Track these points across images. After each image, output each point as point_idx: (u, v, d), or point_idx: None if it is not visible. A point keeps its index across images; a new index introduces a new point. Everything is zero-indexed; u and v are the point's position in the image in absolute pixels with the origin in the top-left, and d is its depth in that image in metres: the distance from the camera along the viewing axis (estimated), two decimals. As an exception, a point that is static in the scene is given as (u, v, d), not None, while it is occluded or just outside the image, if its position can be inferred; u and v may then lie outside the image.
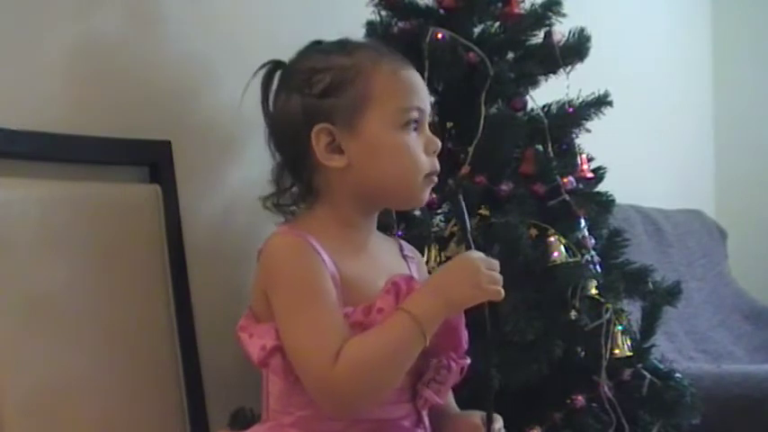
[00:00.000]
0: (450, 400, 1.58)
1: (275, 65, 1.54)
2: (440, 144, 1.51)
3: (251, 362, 1.44)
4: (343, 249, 1.45)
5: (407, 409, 1.47)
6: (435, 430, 1.54)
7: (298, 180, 1.51)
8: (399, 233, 1.78)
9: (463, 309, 1.44)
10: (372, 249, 1.53)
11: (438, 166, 1.51)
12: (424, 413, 1.50)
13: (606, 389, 1.89)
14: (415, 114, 1.47)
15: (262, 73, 1.54)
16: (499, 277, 1.40)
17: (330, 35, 1.56)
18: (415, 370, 1.46)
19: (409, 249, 1.63)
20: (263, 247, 1.45)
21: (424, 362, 1.47)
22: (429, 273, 1.67)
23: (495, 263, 1.41)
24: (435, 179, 1.52)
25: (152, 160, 1.93)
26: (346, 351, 1.33)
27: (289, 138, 1.48)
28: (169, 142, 1.94)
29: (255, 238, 2.03)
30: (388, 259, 1.55)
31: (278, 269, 1.42)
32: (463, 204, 1.50)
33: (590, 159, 2.04)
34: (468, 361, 1.50)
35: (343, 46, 1.51)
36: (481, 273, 1.38)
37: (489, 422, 1.47)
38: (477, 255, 1.42)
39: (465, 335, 1.49)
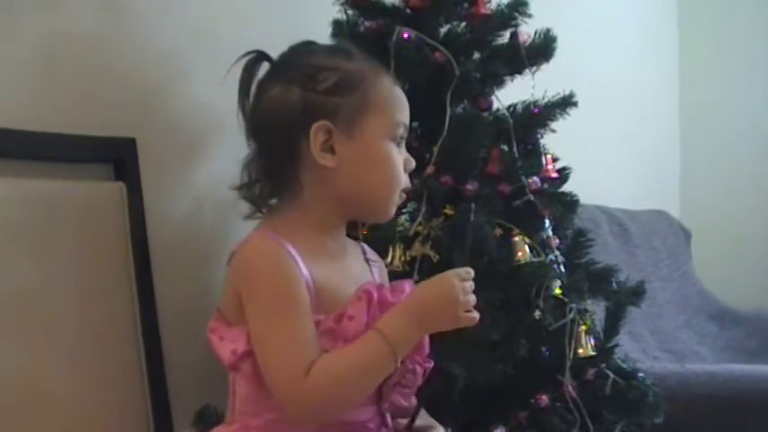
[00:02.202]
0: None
1: (260, 55, 1.54)
2: (414, 164, 1.55)
3: (221, 364, 1.44)
4: (316, 254, 1.45)
5: (372, 412, 1.48)
6: None
7: (276, 172, 1.51)
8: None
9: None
10: (343, 255, 1.54)
11: (410, 185, 1.56)
12: (388, 414, 1.51)
13: (570, 388, 1.90)
14: (402, 130, 1.52)
15: (243, 61, 1.54)
16: (473, 300, 1.42)
17: (297, 34, 1.57)
18: None
19: (371, 253, 1.64)
20: (239, 251, 1.45)
21: None
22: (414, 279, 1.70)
23: (471, 285, 1.43)
24: (404, 196, 1.55)
25: (117, 157, 1.91)
26: (318, 367, 1.34)
27: (280, 129, 1.48)
28: (134, 140, 1.93)
29: (221, 236, 2.04)
30: (355, 266, 1.56)
31: (255, 275, 1.42)
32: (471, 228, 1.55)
33: (555, 160, 2.05)
34: (432, 364, 1.52)
35: (346, 51, 1.54)
36: (460, 304, 1.40)
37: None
38: (456, 284, 1.41)
39: (427, 338, 1.50)
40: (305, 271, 1.40)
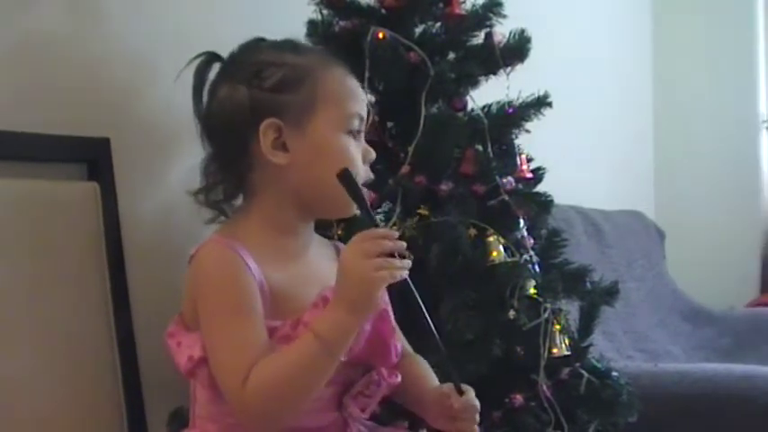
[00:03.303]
0: (428, 374, 1.56)
1: (211, 56, 1.53)
2: (374, 155, 1.53)
3: (178, 370, 1.43)
4: (276, 258, 1.44)
5: (333, 418, 1.47)
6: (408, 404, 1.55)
7: (232, 174, 1.50)
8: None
9: (374, 308, 1.38)
10: (309, 257, 1.53)
11: (372, 176, 1.53)
12: (350, 420, 1.49)
13: (545, 388, 1.90)
14: (357, 122, 1.49)
15: (195, 63, 1.54)
16: (390, 249, 1.32)
17: (272, 34, 1.57)
18: (343, 380, 1.46)
19: None
20: (195, 255, 1.44)
21: (353, 372, 1.47)
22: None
23: (381, 238, 1.33)
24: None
25: (90, 157, 1.90)
26: (254, 374, 1.32)
27: (230, 130, 1.47)
28: (108, 139, 1.92)
29: (195, 237, 2.01)
30: (324, 267, 1.53)
31: (204, 281, 1.41)
32: (355, 180, 1.43)
33: (529, 160, 2.05)
34: (399, 379, 1.49)
35: (293, 45, 1.53)
36: (368, 269, 1.31)
37: (459, 390, 1.45)
38: (355, 249, 1.32)
39: (396, 346, 1.48)
40: (259, 276, 1.39)
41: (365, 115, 1.52)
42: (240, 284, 1.38)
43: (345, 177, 1.41)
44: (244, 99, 1.45)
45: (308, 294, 1.42)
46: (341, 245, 1.63)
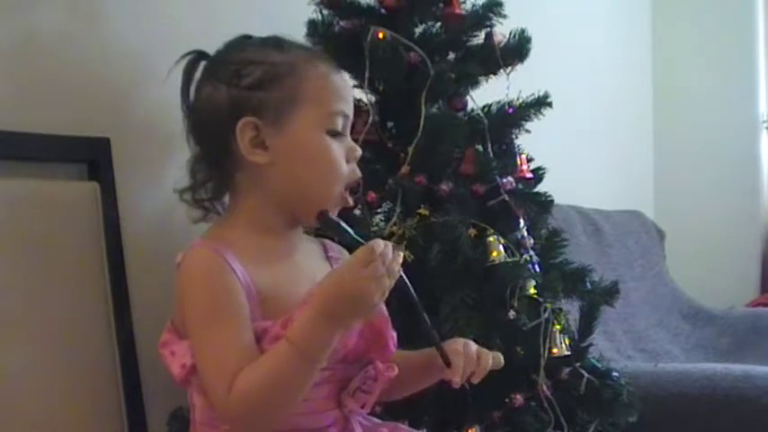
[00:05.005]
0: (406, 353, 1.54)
1: (199, 55, 1.52)
2: (360, 152, 1.50)
3: (173, 379, 1.43)
4: (263, 259, 1.42)
5: (334, 416, 1.45)
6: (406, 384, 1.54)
7: (217, 174, 1.49)
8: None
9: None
10: (298, 257, 1.51)
11: (359, 174, 1.50)
12: (352, 417, 1.48)
13: (545, 388, 1.90)
14: (340, 120, 1.46)
15: (184, 62, 1.52)
16: (392, 272, 1.29)
17: (270, 33, 1.56)
18: (341, 378, 1.45)
19: (334, 250, 1.59)
20: (181, 261, 1.42)
21: (351, 369, 1.46)
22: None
23: (382, 261, 1.28)
24: (350, 200, 1.50)
25: (91, 157, 1.90)
26: (237, 382, 1.30)
27: (212, 130, 1.46)
28: (108, 139, 1.92)
29: (195, 237, 2.02)
30: (313, 265, 1.51)
31: (189, 287, 1.39)
32: (335, 219, 1.45)
33: (530, 160, 2.05)
34: (396, 372, 1.46)
35: (278, 42, 1.50)
36: (372, 292, 1.28)
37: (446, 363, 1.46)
38: (362, 274, 1.27)
39: (393, 337, 1.46)
40: (245, 278, 1.37)
41: (350, 113, 1.50)
42: (223, 289, 1.36)
43: (323, 219, 1.42)
44: (223, 98, 1.44)
45: (297, 293, 1.39)
46: (327, 241, 1.60)
